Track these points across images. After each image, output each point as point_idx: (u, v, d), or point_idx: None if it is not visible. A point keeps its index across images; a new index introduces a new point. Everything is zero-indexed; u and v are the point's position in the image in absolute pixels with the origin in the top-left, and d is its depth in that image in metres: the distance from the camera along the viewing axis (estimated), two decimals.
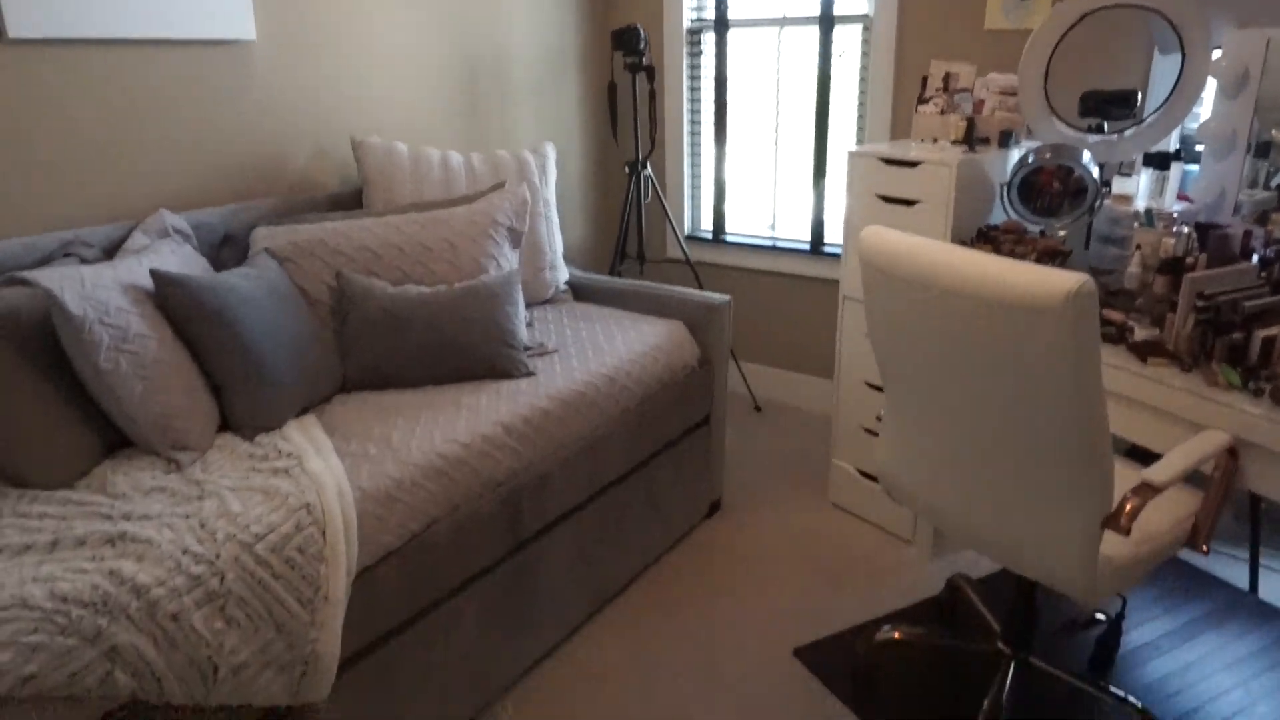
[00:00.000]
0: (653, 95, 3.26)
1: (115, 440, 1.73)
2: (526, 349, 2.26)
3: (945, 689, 2.02)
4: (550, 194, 2.79)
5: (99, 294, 1.63)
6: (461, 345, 2.10)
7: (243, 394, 1.79)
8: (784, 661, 2.12)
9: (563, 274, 2.81)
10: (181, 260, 1.95)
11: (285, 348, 1.88)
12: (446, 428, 1.86)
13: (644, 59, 3.21)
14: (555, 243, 2.79)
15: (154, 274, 1.74)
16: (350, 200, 2.58)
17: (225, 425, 1.84)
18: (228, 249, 2.26)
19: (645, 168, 3.33)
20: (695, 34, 3.48)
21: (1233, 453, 1.62)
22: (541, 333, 2.46)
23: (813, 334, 3.48)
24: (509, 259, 2.41)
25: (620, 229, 3.37)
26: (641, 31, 3.15)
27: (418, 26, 2.84)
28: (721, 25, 3.40)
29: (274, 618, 1.43)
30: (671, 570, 2.49)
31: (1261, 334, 1.73)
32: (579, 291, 2.87)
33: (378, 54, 2.73)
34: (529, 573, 2.01)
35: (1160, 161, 2.25)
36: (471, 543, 1.82)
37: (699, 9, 3.46)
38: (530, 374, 2.16)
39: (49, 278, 1.59)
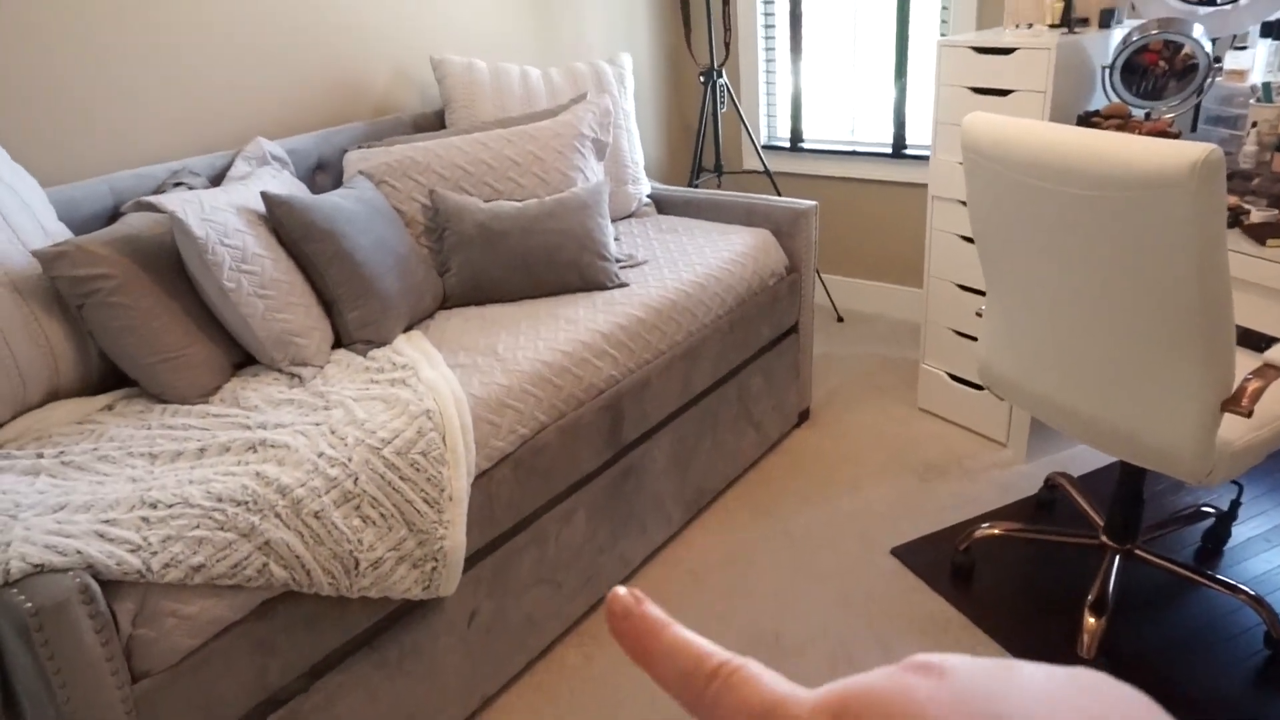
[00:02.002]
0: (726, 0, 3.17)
1: (240, 359, 1.82)
2: (617, 260, 2.28)
3: (1047, 582, 2.04)
4: (629, 105, 2.77)
5: (218, 216, 1.70)
6: (555, 258, 2.14)
7: (355, 310, 1.86)
8: (882, 559, 2.16)
9: (645, 187, 2.80)
10: (283, 185, 2.01)
11: (391, 264, 1.94)
12: (548, 337, 1.91)
13: None
14: (636, 155, 2.77)
15: (265, 196, 1.80)
16: (433, 120, 2.60)
17: (338, 342, 1.92)
18: (322, 173, 2.31)
19: (721, 76, 3.27)
20: None
21: None
22: (629, 245, 2.48)
23: (896, 241, 3.42)
24: (595, 171, 2.42)
25: (697, 140, 3.33)
26: None
27: None
28: None
29: (404, 516, 1.52)
30: (765, 476, 2.53)
31: None
32: (661, 204, 2.86)
33: None
34: (632, 476, 2.07)
35: (1278, 31, 2.12)
36: (578, 447, 1.89)
37: None
38: (623, 285, 2.19)
39: (171, 202, 1.66)
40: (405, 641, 1.60)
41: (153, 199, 1.67)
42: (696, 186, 3.41)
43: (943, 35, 3.06)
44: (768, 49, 3.52)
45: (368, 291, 1.87)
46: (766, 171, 3.36)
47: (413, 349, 1.85)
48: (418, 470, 1.54)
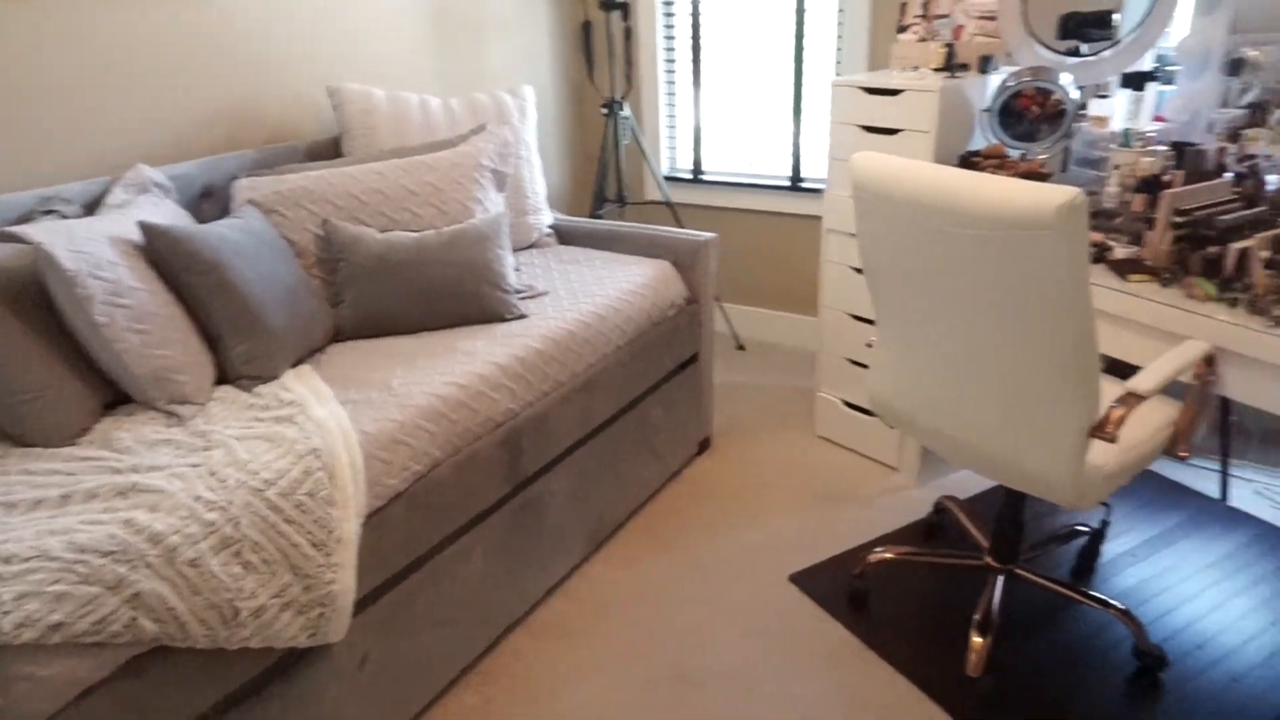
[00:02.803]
0: (628, 33, 3.22)
1: (113, 397, 1.73)
2: (516, 292, 2.27)
3: (938, 604, 2.10)
4: (530, 136, 2.77)
5: (89, 247, 1.62)
6: (453, 289, 2.11)
7: (240, 344, 1.79)
8: (782, 587, 2.19)
9: (546, 217, 2.80)
10: (165, 214, 1.93)
11: (279, 297, 1.87)
12: (444, 371, 1.88)
13: None
14: (538, 186, 2.77)
15: (143, 226, 1.72)
16: (329, 149, 2.54)
17: (222, 378, 1.84)
18: (208, 202, 2.23)
19: (622, 108, 3.31)
20: None
21: (1209, 361, 1.68)
22: (529, 276, 2.47)
23: (793, 270, 3.51)
24: (495, 202, 2.40)
25: (599, 171, 3.35)
26: None
27: None
28: None
29: (289, 560, 1.46)
30: (666, 506, 2.54)
31: (1236, 246, 1.78)
32: (563, 235, 2.87)
33: None
34: (531, 510, 2.05)
35: (1136, 82, 2.28)
36: (474, 482, 1.85)
37: None
38: (522, 316, 2.18)
39: (37, 232, 1.57)
40: (291, 693, 1.53)
41: (16, 229, 1.58)
42: (600, 217, 3.42)
43: (836, 75, 3.17)
44: (669, 82, 3.58)
45: (254, 325, 1.80)
46: (668, 202, 3.41)
47: (301, 385, 1.79)
48: (304, 512, 1.48)
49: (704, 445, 2.83)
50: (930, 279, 1.56)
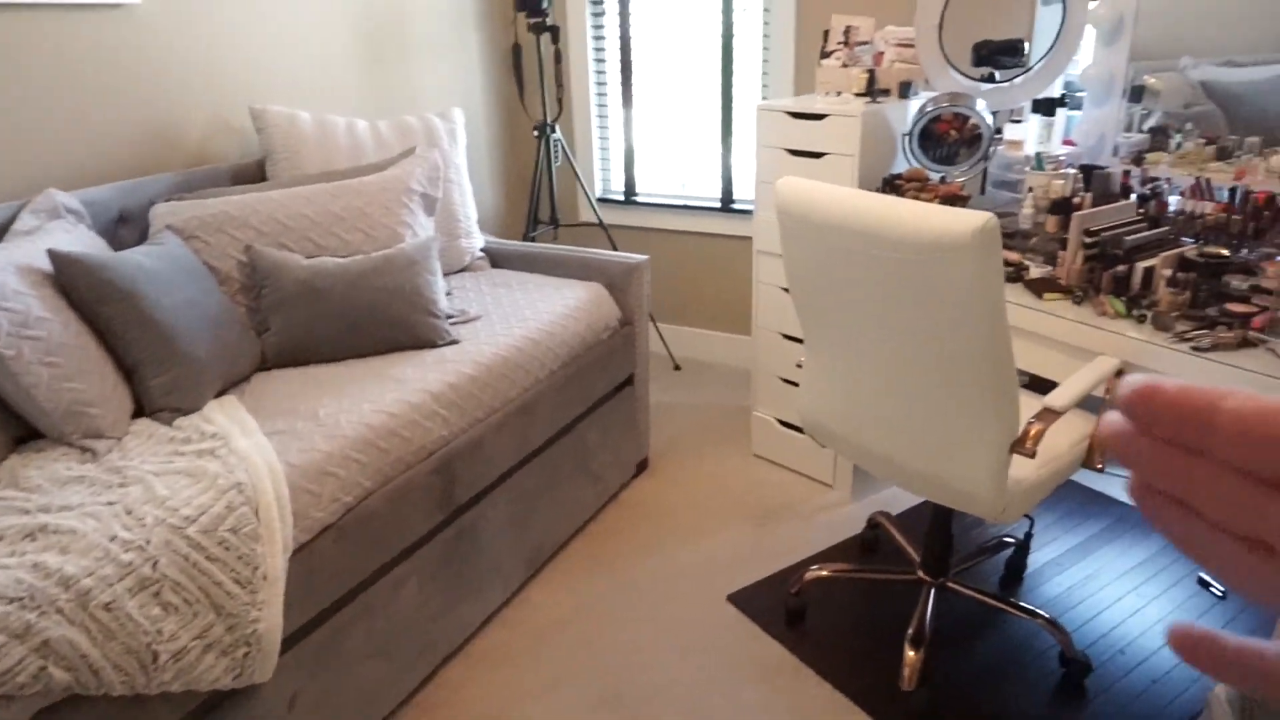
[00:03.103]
0: (558, 56, 3.23)
1: (22, 433, 1.65)
2: (448, 317, 2.25)
3: (872, 619, 2.13)
4: (461, 159, 2.76)
5: None
6: (383, 315, 2.08)
7: (158, 376, 1.74)
8: (720, 606, 2.19)
9: (478, 241, 2.79)
10: (77, 240, 1.86)
11: (200, 326, 1.82)
12: (374, 399, 1.85)
13: (547, 19, 3.17)
14: (469, 209, 2.76)
15: (52, 255, 1.66)
16: (253, 172, 2.49)
17: (140, 411, 1.78)
18: (125, 228, 2.16)
19: (554, 131, 3.31)
20: None
21: (1120, 376, 1.75)
22: (461, 300, 2.45)
23: (727, 291, 3.55)
24: (425, 226, 2.38)
25: (532, 194, 3.35)
26: None
27: None
28: None
29: (212, 600, 1.41)
30: (605, 529, 2.53)
31: (1142, 265, 1.86)
32: (495, 258, 2.85)
33: (273, 16, 2.63)
34: (467, 538, 2.02)
35: (1047, 108, 2.37)
36: (407, 512, 1.82)
37: None
38: (454, 341, 2.15)
39: None
40: None
41: None
42: (533, 239, 3.42)
43: (764, 99, 3.23)
44: (600, 105, 3.60)
45: (173, 355, 1.75)
46: (601, 224, 3.42)
47: (225, 416, 1.74)
48: (227, 549, 1.44)
49: (642, 466, 2.83)
50: (853, 300, 1.60)
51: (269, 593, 1.47)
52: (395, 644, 1.84)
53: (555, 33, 3.17)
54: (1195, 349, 1.64)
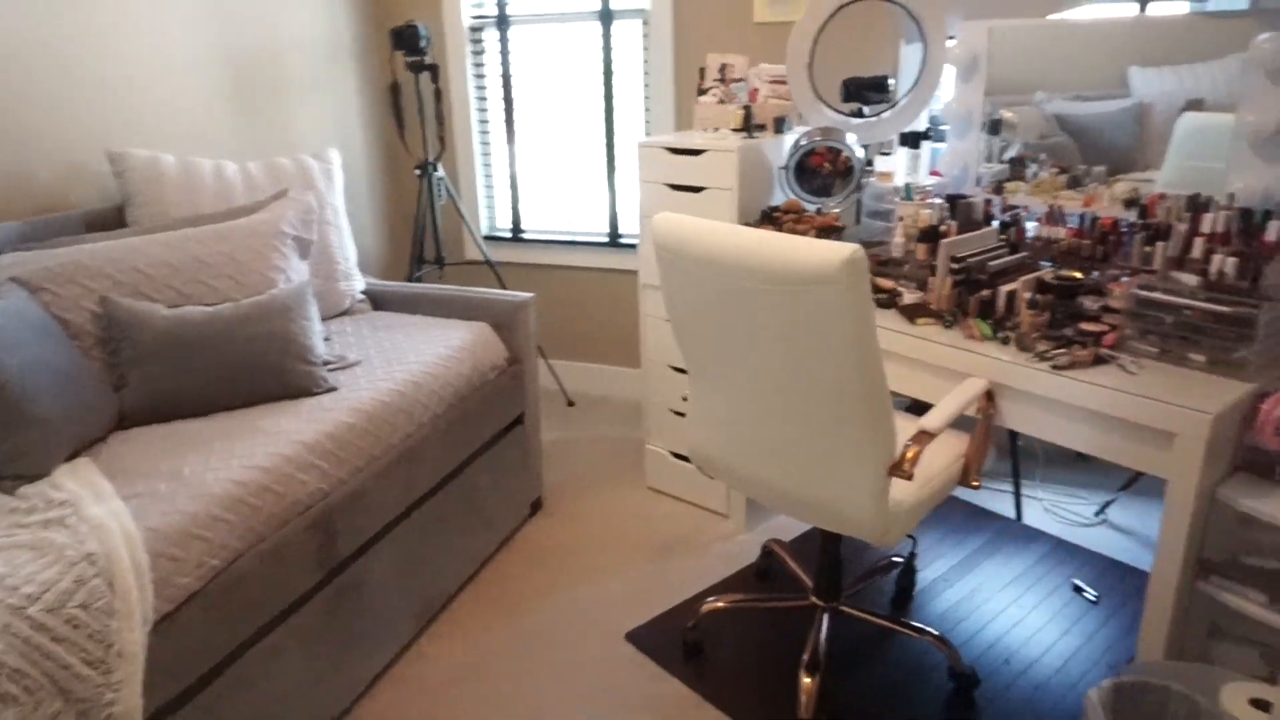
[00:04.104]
0: (438, 95, 3.19)
1: None
2: (326, 363, 2.17)
3: (770, 648, 2.14)
4: (338, 200, 2.68)
5: None
6: (254, 365, 1.98)
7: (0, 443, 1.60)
8: (619, 646, 2.16)
9: (358, 283, 2.71)
10: None
11: (47, 385, 1.70)
12: (244, 454, 1.76)
13: (426, 57, 3.14)
14: (348, 251, 2.68)
15: None
16: (111, 219, 2.36)
17: None
18: None
19: (437, 169, 3.27)
20: (477, 31, 3.45)
21: (990, 396, 1.82)
22: (341, 345, 2.36)
23: (616, 324, 3.55)
24: (299, 270, 2.30)
25: (416, 233, 3.29)
26: (422, 29, 3.08)
27: (179, 23, 2.64)
28: (503, 22, 3.39)
29: (59, 685, 1.30)
30: (500, 573, 2.47)
31: (1005, 289, 1.95)
32: (377, 300, 2.78)
33: (133, 55, 2.51)
34: (352, 593, 1.93)
35: (913, 141, 2.48)
36: (284, 571, 1.73)
37: (479, 5, 3.42)
38: (332, 389, 2.08)
39: None
40: None
41: None
42: (419, 280, 3.35)
43: (646, 135, 3.27)
44: (484, 142, 3.58)
45: (16, 419, 1.62)
46: (488, 262, 3.39)
47: (76, 482, 1.62)
48: (76, 628, 1.33)
49: (536, 506, 2.79)
50: (731, 333, 1.62)
51: (126, 671, 1.37)
52: (276, 713, 1.74)
53: (435, 71, 3.14)
54: (1054, 367, 1.72)
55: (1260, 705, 1.50)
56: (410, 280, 3.31)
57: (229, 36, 2.82)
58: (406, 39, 3.06)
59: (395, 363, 2.23)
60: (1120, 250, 2.03)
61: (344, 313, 2.65)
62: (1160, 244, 1.87)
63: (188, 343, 1.94)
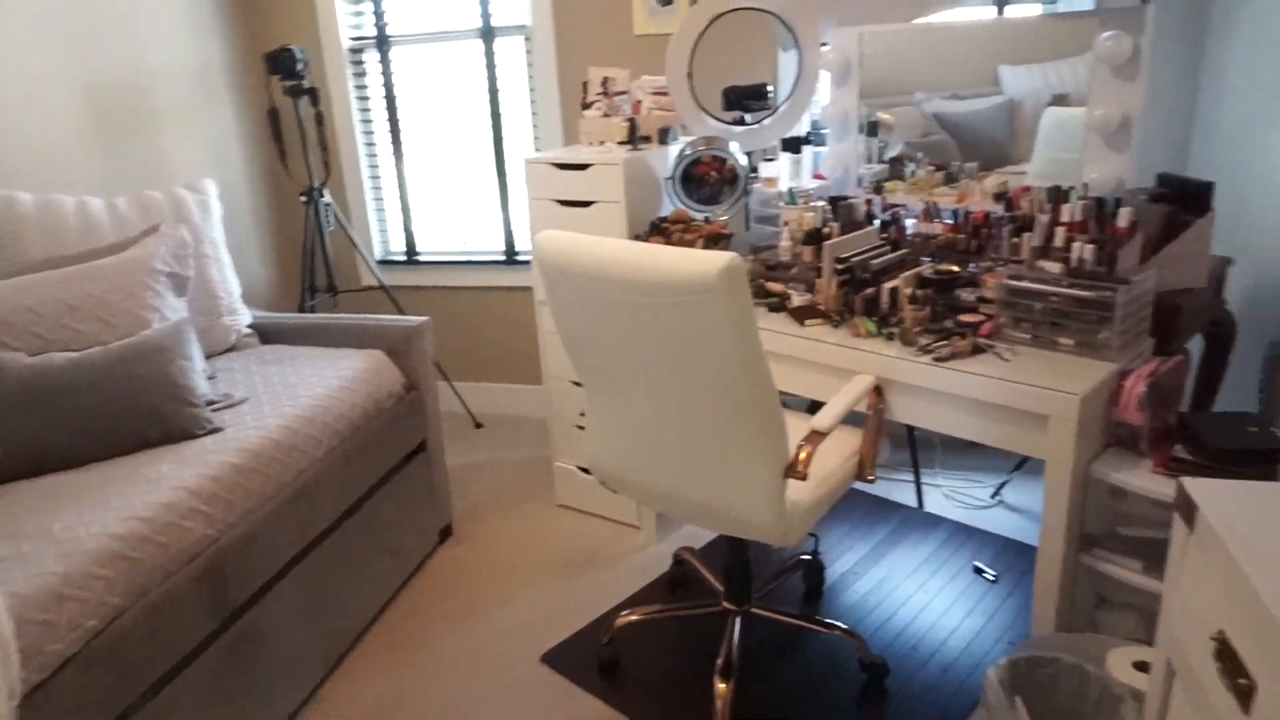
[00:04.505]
0: (320, 119, 3.12)
1: None
2: (210, 403, 2.08)
3: (685, 657, 2.14)
4: (217, 233, 2.59)
5: None
6: (129, 410, 1.89)
7: None
8: (534, 669, 2.13)
9: (244, 317, 2.61)
10: None
11: None
12: (121, 505, 1.67)
13: (304, 81, 3.06)
14: (230, 285, 2.58)
15: None
16: None
17: None
18: None
19: (323, 195, 3.19)
20: (358, 53, 3.38)
21: (879, 391, 1.87)
22: (226, 383, 2.28)
23: (518, 342, 3.53)
24: (175, 308, 2.20)
25: (305, 262, 3.20)
26: (298, 52, 3.00)
27: (33, 51, 2.50)
28: (384, 42, 3.33)
29: None
30: (410, 604, 2.41)
31: (887, 286, 2.01)
32: (266, 334, 2.69)
33: None
34: (251, 641, 1.85)
35: (794, 146, 2.54)
36: (173, 625, 1.65)
37: (358, 27, 3.36)
38: (217, 429, 1.99)
39: None
40: None
41: None
42: (313, 309, 3.26)
43: (536, 151, 3.26)
44: (372, 165, 3.51)
45: None
46: (383, 287, 3.32)
47: None
48: None
49: (446, 533, 2.73)
50: (620, 346, 1.62)
51: None
52: None
53: (314, 95, 3.06)
54: (936, 359, 1.78)
55: (1141, 667, 1.57)
56: (302, 310, 3.21)
57: (90, 65, 2.70)
58: (282, 63, 2.98)
59: (284, 398, 2.16)
60: (992, 242, 2.11)
61: (230, 349, 2.55)
62: (1026, 235, 1.95)
63: (52, 391, 1.84)
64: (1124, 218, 1.82)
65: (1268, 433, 1.58)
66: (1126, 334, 1.74)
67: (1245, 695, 0.96)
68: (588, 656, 2.15)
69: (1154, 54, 2.55)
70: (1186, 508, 1.16)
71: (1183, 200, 1.95)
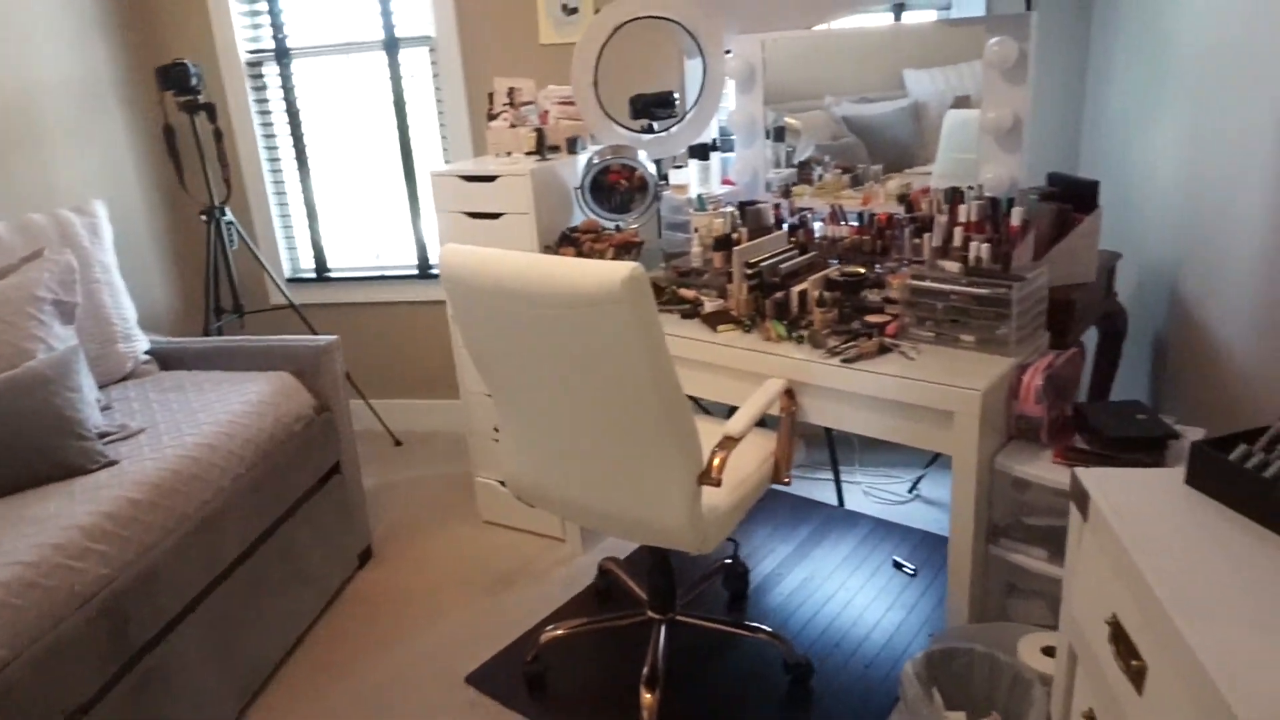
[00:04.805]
0: (218, 135, 3.01)
1: None
2: (103, 435, 1.99)
3: (612, 669, 2.13)
4: (108, 256, 2.47)
5: None
6: (12, 447, 1.79)
7: None
8: (458, 691, 2.09)
9: (141, 344, 2.51)
10: None
11: None
12: (4, 549, 1.57)
13: (200, 96, 2.96)
14: (125, 311, 2.47)
15: None
16: None
17: None
18: None
19: (225, 213, 3.08)
20: (256, 66, 3.28)
21: (790, 394, 1.89)
22: (123, 413, 2.17)
23: (434, 357, 3.47)
24: (62, 336, 2.10)
25: (208, 283, 3.08)
26: (191, 67, 2.90)
27: None
28: (283, 55, 3.24)
29: None
30: (330, 632, 2.34)
31: (796, 289, 2.03)
32: (167, 359, 2.58)
33: None
34: (156, 682, 1.77)
35: (702, 153, 2.55)
36: (67, 671, 1.56)
37: (255, 40, 3.26)
38: (111, 463, 1.90)
39: None
40: None
41: None
42: (219, 332, 3.14)
43: (446, 163, 3.21)
44: (276, 181, 3.41)
45: None
46: (293, 306, 3.22)
47: None
48: None
49: (366, 556, 2.66)
50: (528, 360, 1.60)
51: None
52: None
53: (211, 110, 2.96)
54: (844, 361, 1.81)
55: (1049, 653, 1.62)
56: (208, 333, 3.10)
57: None
58: (175, 77, 2.88)
59: (185, 426, 2.08)
60: (895, 244, 2.16)
61: (126, 377, 2.44)
62: (926, 235, 2.00)
63: None
64: (1017, 217, 1.88)
65: (1155, 420, 1.65)
66: (1023, 329, 1.79)
67: (1138, 676, 1.00)
68: (513, 675, 2.12)
69: (1040, 58, 2.65)
70: (1080, 497, 1.20)
71: (1071, 198, 2.02)
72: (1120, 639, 1.05)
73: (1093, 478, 1.19)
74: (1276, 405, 1.59)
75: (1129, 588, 1.03)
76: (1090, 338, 2.30)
